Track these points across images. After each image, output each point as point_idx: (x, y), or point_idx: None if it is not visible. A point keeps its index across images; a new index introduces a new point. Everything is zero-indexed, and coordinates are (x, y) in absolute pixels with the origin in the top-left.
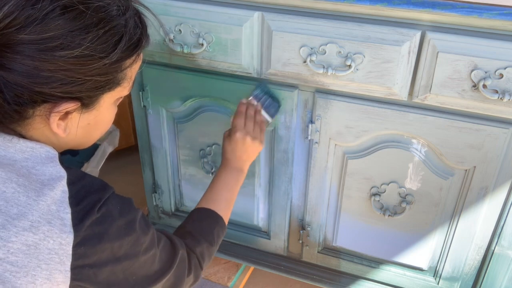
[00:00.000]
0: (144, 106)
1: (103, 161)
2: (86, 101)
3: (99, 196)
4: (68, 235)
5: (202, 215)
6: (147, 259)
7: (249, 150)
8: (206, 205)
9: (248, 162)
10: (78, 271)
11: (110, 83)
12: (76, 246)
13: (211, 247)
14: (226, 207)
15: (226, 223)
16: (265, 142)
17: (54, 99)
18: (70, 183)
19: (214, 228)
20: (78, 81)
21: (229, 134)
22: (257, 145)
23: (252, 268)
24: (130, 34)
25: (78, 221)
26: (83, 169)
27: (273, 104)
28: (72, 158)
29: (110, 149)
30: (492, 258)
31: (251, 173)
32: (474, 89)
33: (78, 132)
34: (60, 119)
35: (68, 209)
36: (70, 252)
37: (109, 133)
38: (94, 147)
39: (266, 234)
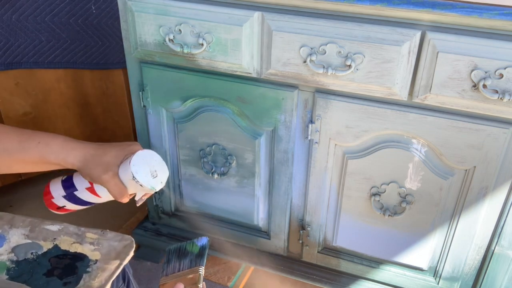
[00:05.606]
0: (144, 106)
1: None
2: None
3: None
4: None
5: None
6: None
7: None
8: None
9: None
10: None
11: None
12: None
13: None
14: None
15: None
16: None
17: None
18: None
19: None
20: None
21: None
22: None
23: (252, 268)
24: None
25: None
26: None
27: None
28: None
29: None
30: (492, 258)
31: (251, 173)
32: (474, 89)
33: None
34: None
35: None
36: None
37: (123, 246)
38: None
39: (266, 234)
